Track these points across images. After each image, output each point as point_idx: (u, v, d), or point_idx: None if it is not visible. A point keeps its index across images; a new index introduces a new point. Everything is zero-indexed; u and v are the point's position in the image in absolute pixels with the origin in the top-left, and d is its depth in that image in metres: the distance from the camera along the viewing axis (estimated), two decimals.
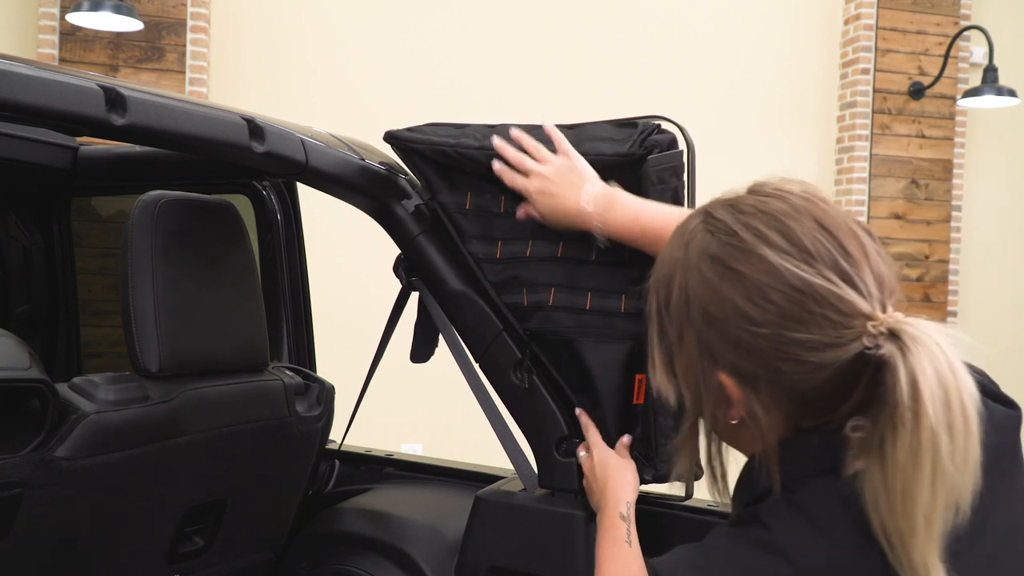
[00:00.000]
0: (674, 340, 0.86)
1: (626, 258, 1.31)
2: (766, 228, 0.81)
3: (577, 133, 1.31)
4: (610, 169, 1.26)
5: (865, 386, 0.79)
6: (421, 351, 1.52)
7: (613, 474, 1.27)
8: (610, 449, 1.31)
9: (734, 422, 0.85)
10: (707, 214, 0.86)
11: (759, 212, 0.82)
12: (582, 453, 1.35)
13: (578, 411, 1.36)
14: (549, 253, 1.35)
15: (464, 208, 1.39)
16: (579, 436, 1.37)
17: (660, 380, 0.90)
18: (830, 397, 0.81)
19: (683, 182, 1.28)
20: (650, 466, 1.31)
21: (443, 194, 1.39)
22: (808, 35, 5.03)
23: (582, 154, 1.27)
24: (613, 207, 1.22)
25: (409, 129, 1.40)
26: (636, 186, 1.26)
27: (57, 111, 1.08)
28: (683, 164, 1.28)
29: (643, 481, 1.31)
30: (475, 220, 1.38)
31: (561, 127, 1.33)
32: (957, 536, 0.75)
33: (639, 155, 1.23)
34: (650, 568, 0.87)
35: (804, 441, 0.83)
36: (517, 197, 1.36)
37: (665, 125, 1.28)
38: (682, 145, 1.28)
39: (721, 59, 4.88)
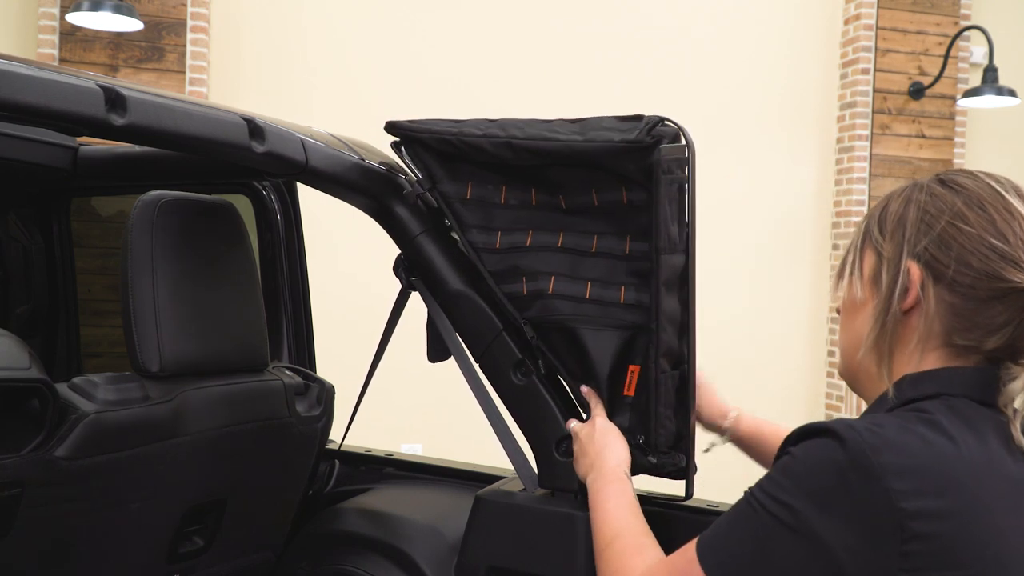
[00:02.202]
0: (878, 240, 1.01)
1: (626, 252, 1.31)
2: (997, 177, 1.00)
3: (583, 125, 1.31)
4: (618, 156, 1.27)
5: (1016, 326, 0.94)
6: (438, 351, 1.51)
7: (614, 440, 1.29)
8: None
9: (906, 311, 0.97)
10: (933, 175, 1.04)
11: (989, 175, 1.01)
12: (573, 423, 1.36)
13: (585, 389, 1.36)
14: (550, 243, 1.36)
15: (464, 198, 1.39)
16: None
17: (848, 285, 1.05)
18: (989, 318, 0.95)
19: (686, 176, 1.28)
20: (645, 456, 1.31)
21: (444, 183, 1.40)
22: (808, 35, 5.03)
23: (589, 142, 1.28)
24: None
25: (410, 121, 1.41)
26: (644, 175, 1.26)
27: (57, 111, 1.08)
28: (687, 158, 1.29)
29: (640, 469, 1.32)
30: (475, 210, 1.39)
31: (566, 120, 1.33)
32: None
33: (647, 143, 1.24)
34: (827, 426, 0.89)
35: (963, 370, 0.96)
36: (518, 188, 1.37)
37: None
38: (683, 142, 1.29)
39: (721, 59, 4.88)
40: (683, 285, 1.31)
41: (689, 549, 0.96)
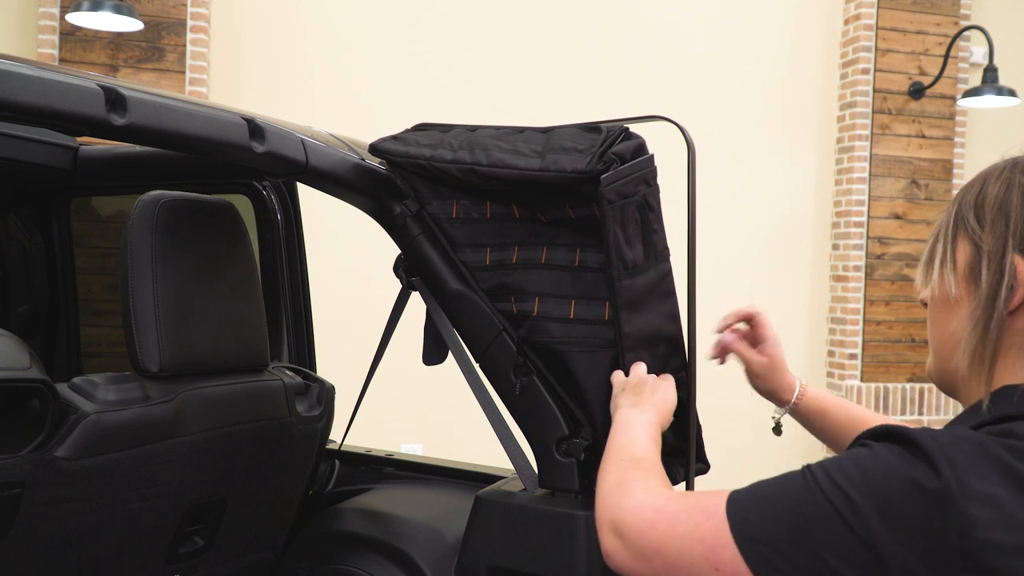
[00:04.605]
0: (974, 229, 0.92)
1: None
2: None
3: (547, 139, 1.29)
4: (573, 184, 1.24)
5: None
6: (433, 354, 1.51)
7: (669, 403, 1.22)
8: None
9: (1011, 311, 0.89)
10: None
11: None
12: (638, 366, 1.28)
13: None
14: (534, 259, 1.35)
15: (452, 217, 1.39)
16: (579, 436, 1.37)
17: (939, 278, 0.95)
18: None
19: (656, 187, 1.25)
20: None
21: (431, 204, 1.40)
22: (808, 35, 5.03)
23: (544, 171, 1.25)
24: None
25: (394, 138, 1.40)
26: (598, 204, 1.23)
27: (57, 111, 1.08)
28: (655, 169, 1.25)
29: None
30: (463, 228, 1.39)
31: (537, 129, 1.32)
32: None
33: (597, 172, 1.20)
34: (912, 436, 0.83)
35: None
36: (501, 203, 1.36)
37: (667, 126, 1.28)
38: (652, 149, 1.26)
39: (721, 59, 4.88)
40: (663, 297, 1.29)
41: (719, 494, 0.90)
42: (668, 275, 1.29)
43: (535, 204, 1.34)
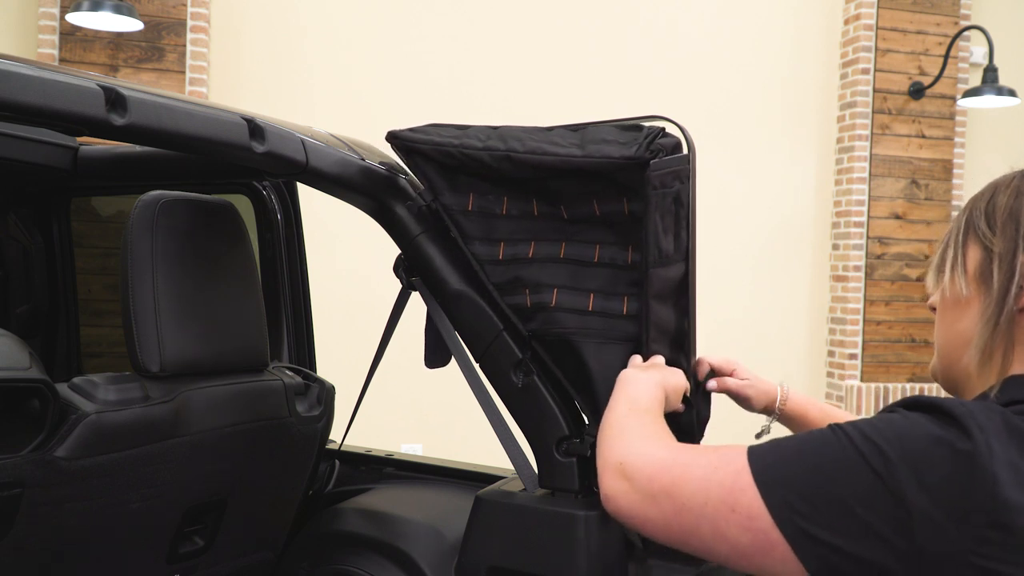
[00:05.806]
0: (985, 234, 0.98)
1: (628, 262, 1.31)
2: None
3: (582, 135, 1.30)
4: (618, 171, 1.26)
5: None
6: (435, 357, 1.50)
7: (680, 379, 1.26)
8: None
9: (1021, 308, 0.94)
10: None
11: None
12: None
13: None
14: (552, 254, 1.35)
15: (466, 210, 1.38)
16: (579, 436, 1.37)
17: (950, 281, 1.00)
18: None
19: (686, 186, 1.27)
20: None
21: (445, 195, 1.39)
22: (808, 35, 5.03)
23: (588, 157, 1.26)
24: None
25: (412, 129, 1.39)
26: (642, 189, 1.26)
27: (57, 111, 1.08)
28: (688, 168, 1.27)
29: None
30: (477, 221, 1.38)
31: (567, 127, 1.33)
32: None
33: (646, 159, 1.23)
34: (944, 406, 0.86)
35: None
36: (519, 198, 1.37)
37: (667, 126, 1.28)
38: (685, 147, 1.28)
39: (721, 59, 4.89)
40: (682, 293, 1.31)
41: (736, 445, 0.93)
42: (688, 273, 1.31)
43: (559, 199, 1.34)
